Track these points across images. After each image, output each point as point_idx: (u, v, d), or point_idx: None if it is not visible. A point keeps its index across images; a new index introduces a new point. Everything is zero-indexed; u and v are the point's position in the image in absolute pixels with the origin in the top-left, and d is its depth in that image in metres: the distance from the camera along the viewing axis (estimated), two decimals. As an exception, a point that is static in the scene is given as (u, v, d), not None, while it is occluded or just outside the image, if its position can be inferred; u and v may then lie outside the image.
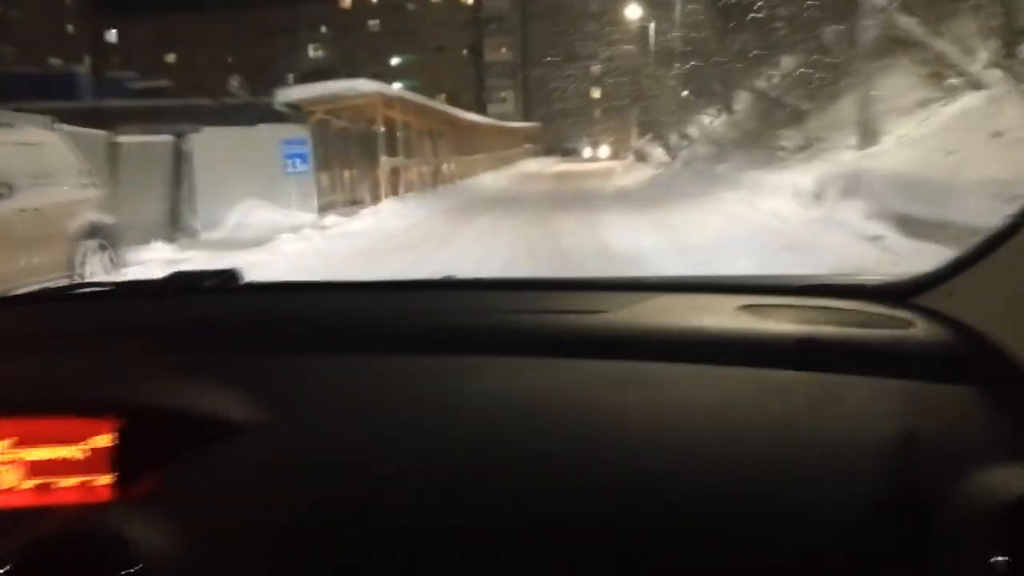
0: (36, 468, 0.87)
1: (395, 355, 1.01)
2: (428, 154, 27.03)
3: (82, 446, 0.87)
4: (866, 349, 0.98)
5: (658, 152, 29.42)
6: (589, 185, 26.91)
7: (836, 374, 0.94)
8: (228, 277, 1.29)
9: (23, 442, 0.87)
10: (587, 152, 53.77)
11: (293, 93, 17.86)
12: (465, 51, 73.36)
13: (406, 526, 0.80)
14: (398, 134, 20.43)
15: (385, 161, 18.80)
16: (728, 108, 24.22)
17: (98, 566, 0.77)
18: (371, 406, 0.94)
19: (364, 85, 18.05)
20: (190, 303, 1.24)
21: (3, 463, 0.87)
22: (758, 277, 1.36)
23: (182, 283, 1.27)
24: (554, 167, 41.09)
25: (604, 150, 55.20)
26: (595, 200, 19.52)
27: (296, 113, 17.12)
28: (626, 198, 19.79)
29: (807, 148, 15.99)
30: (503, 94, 74.49)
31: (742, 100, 23.71)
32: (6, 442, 0.87)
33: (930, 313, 1.03)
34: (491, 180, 30.22)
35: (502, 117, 52.49)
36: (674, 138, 26.90)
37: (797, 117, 18.09)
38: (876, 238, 8.74)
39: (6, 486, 0.87)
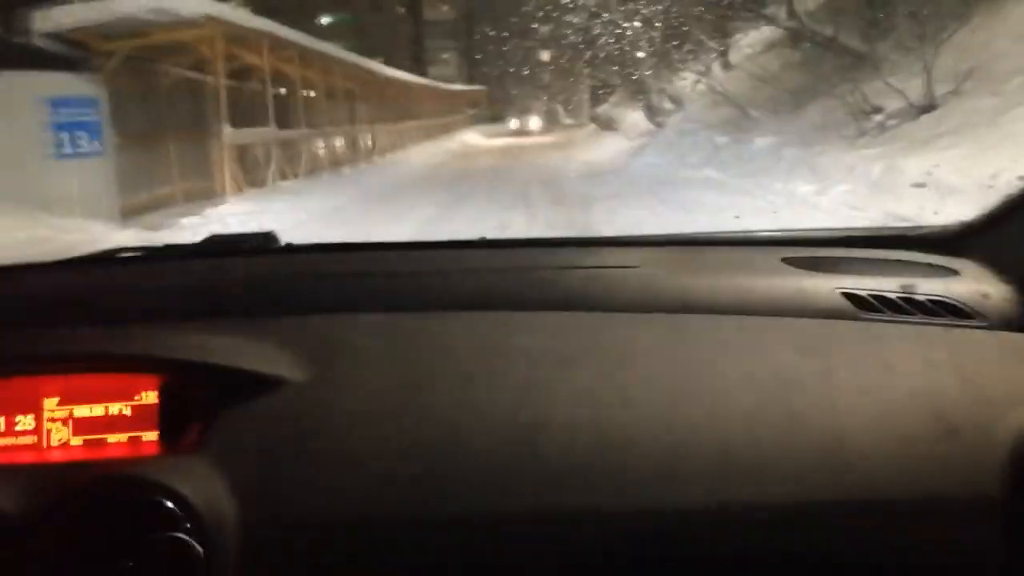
0: (85, 424, 0.91)
1: (434, 311, 1.00)
2: (343, 122, 20.38)
3: (128, 402, 0.90)
4: (913, 297, 0.97)
5: (634, 118, 23.15)
6: (547, 161, 20.75)
7: (883, 323, 0.94)
8: (266, 239, 1.28)
9: (71, 399, 0.91)
10: (537, 121, 46.52)
11: (59, 16, 10.38)
12: (403, 9, 65.90)
13: (448, 473, 0.84)
14: (293, 94, 13.70)
15: (232, 135, 12.00)
16: (724, 55, 18.16)
17: (146, 518, 0.82)
18: (410, 361, 0.93)
19: (187, 4, 10.64)
20: (228, 265, 1.22)
21: (53, 420, 0.91)
22: (799, 230, 1.32)
23: (220, 245, 1.26)
24: (502, 138, 35.83)
25: (562, 117, 48.98)
26: (563, 188, 13.23)
27: (75, 53, 10.18)
28: (607, 183, 13.45)
29: (907, 115, 9.81)
30: (445, 55, 67.08)
31: (754, 43, 17.58)
32: (55, 399, 0.91)
33: (976, 260, 1.03)
34: (423, 155, 23.63)
35: (444, 81, 45.70)
36: (656, 99, 20.58)
37: (859, 65, 11.95)
38: None
39: (57, 442, 0.91)
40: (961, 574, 0.85)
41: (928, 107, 9.46)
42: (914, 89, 9.78)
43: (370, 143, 22.15)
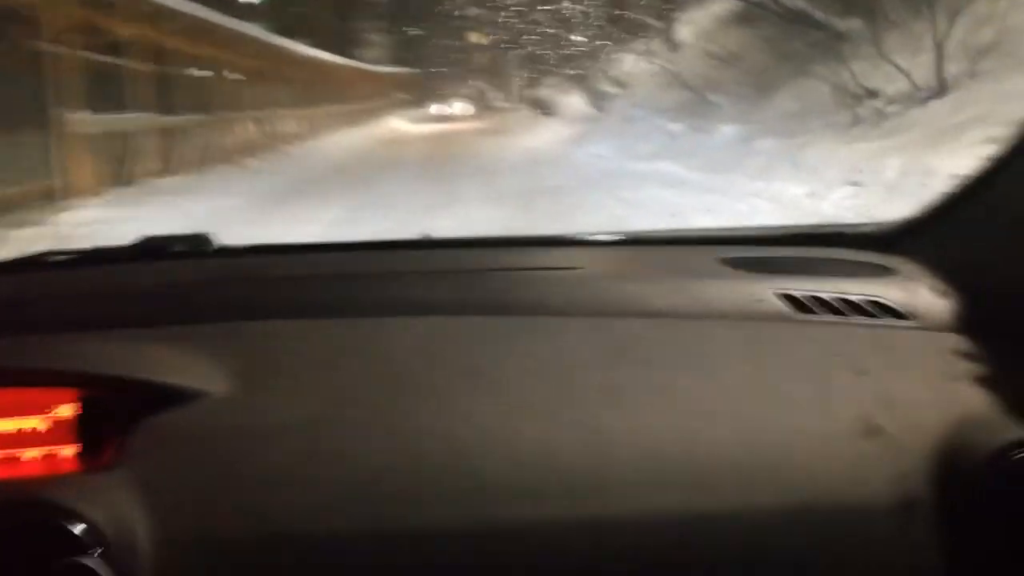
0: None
1: (368, 317, 0.98)
2: (249, 107, 18.05)
3: (45, 417, 0.86)
4: (848, 298, 0.97)
5: (573, 102, 21.32)
6: (479, 149, 18.77)
7: (818, 324, 0.94)
8: (199, 241, 1.22)
9: None
10: (462, 105, 43.23)
11: None
12: (328, -13, 62.71)
13: (377, 488, 0.81)
14: (183, 74, 11.31)
15: (82, 122, 9.64)
16: (667, 33, 16.44)
17: (63, 537, 0.78)
18: (342, 369, 0.91)
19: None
20: (158, 268, 1.18)
21: None
22: (738, 228, 1.39)
23: (151, 248, 1.21)
24: (432, 124, 33.09)
25: (495, 100, 46.95)
26: (498, 182, 11.32)
27: None
28: (550, 176, 11.57)
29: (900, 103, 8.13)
30: (374, 36, 64.16)
31: (706, 19, 15.88)
32: None
33: (912, 259, 1.02)
34: (343, 144, 21.45)
35: (372, 63, 43.16)
36: (597, 82, 18.77)
37: (840, 42, 10.29)
38: None
39: None
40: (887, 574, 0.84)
41: (938, 90, 7.82)
42: (918, 69, 8.12)
43: (283, 130, 19.82)
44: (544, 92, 27.97)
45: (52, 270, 1.20)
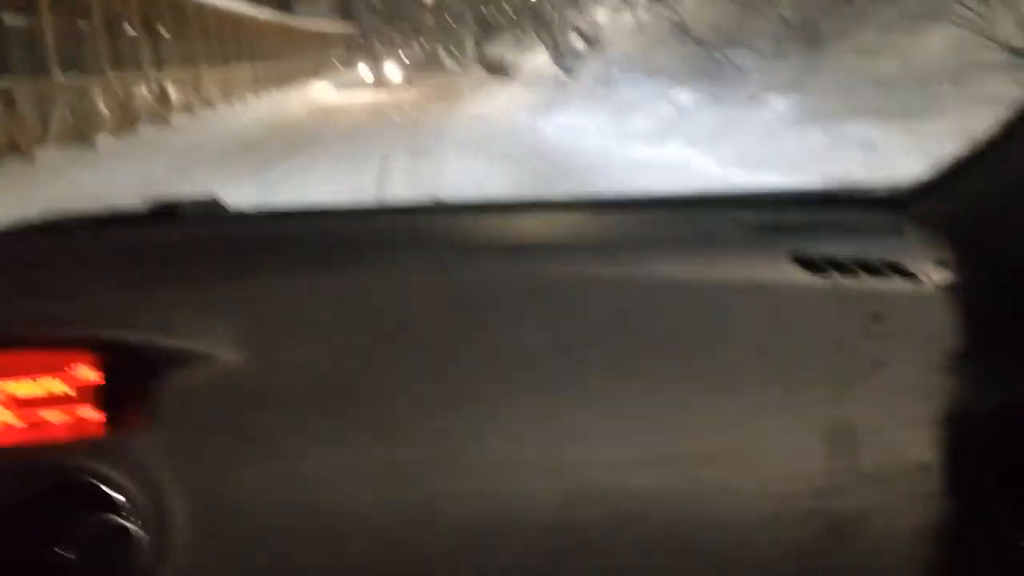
0: (23, 403, 0.87)
1: (379, 277, 0.97)
2: (131, 64, 14.14)
3: (67, 379, 0.87)
4: (862, 259, 0.97)
5: (535, 63, 17.70)
6: (422, 118, 15.13)
7: (831, 285, 0.94)
8: (211, 205, 1.21)
9: (6, 375, 0.87)
10: (398, 70, 35.24)
11: None
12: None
13: (392, 442, 0.84)
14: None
15: None
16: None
17: (95, 499, 0.80)
18: (359, 327, 0.91)
19: None
20: (172, 232, 1.15)
21: None
22: (752, 190, 1.34)
23: (162, 211, 1.19)
24: (364, 91, 28.03)
25: (444, 60, 42.98)
26: (444, 168, 7.91)
27: None
28: (514, 161, 8.11)
29: None
30: (314, -8, 59.11)
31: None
32: None
33: (925, 221, 1.02)
34: (250, 115, 17.66)
35: (313, 19, 38.76)
36: (564, 37, 15.11)
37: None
38: None
39: None
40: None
41: None
42: None
43: (175, 97, 15.86)
44: (501, 50, 24.23)
45: (62, 233, 1.18)
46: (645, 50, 12.25)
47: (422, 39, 44.79)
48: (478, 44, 29.61)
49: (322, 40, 35.93)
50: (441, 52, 44.20)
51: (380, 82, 31.70)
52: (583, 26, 14.90)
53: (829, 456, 0.87)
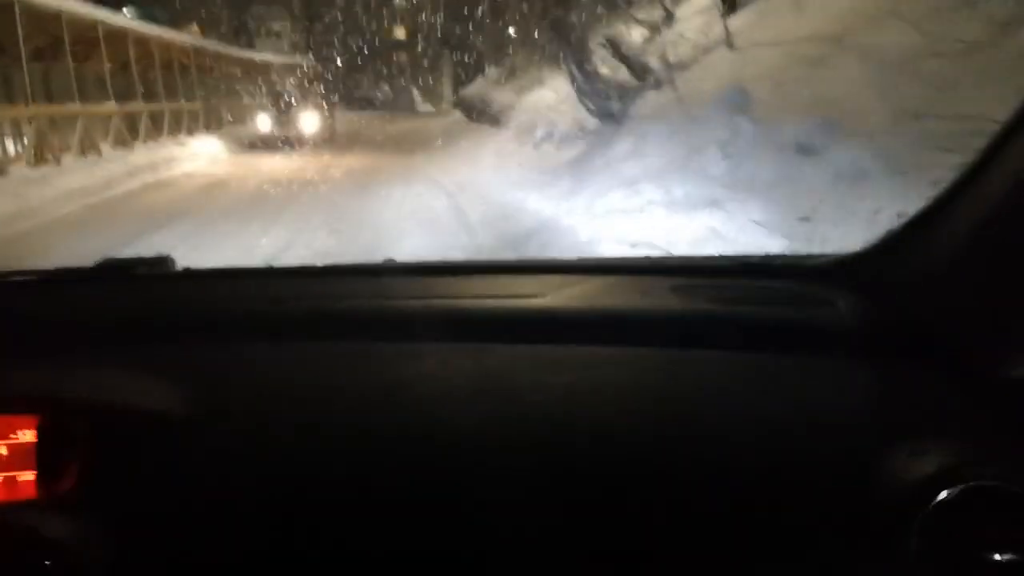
0: None
1: (330, 342, 0.98)
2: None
3: (5, 442, 0.85)
4: (789, 328, 0.98)
5: (536, 100, 12.03)
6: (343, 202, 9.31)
7: (762, 353, 0.94)
8: (161, 263, 1.21)
9: None
10: (313, 118, 19.49)
11: None
12: (222, -34, 51.99)
13: (340, 511, 0.80)
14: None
15: None
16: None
17: (21, 565, 0.76)
18: (306, 395, 0.91)
19: None
20: (121, 290, 1.17)
21: None
22: (692, 258, 1.40)
23: (111, 269, 1.19)
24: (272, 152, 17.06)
25: (416, 101, 37.59)
26: None
27: None
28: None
29: None
30: (276, 26, 53.50)
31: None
32: None
33: (854, 291, 1.02)
34: (85, 180, 11.80)
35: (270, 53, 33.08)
36: (597, 61, 9.36)
37: None
38: None
39: None
40: None
41: None
42: None
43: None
44: (484, 88, 18.59)
45: (8, 290, 1.18)
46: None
47: (393, 75, 39.71)
48: (457, 79, 24.11)
49: (272, 73, 30.18)
50: (414, 92, 38.98)
51: (273, 141, 17.49)
52: (625, 45, 9.19)
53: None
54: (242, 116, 21.45)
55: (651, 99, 8.22)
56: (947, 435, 0.81)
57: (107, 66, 14.59)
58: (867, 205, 4.38)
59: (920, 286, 0.94)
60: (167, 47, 18.12)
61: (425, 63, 31.45)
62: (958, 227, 0.90)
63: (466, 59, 23.71)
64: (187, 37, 21.16)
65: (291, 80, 23.04)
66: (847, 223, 4.32)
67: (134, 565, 0.77)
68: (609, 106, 8.58)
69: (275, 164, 13.89)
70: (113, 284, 1.16)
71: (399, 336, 0.98)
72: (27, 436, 0.85)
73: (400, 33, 42.85)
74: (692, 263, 1.28)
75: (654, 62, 8.71)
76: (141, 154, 13.50)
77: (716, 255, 1.34)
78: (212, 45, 23.55)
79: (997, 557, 0.70)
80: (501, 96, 16.09)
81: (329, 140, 18.51)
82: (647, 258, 1.34)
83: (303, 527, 0.79)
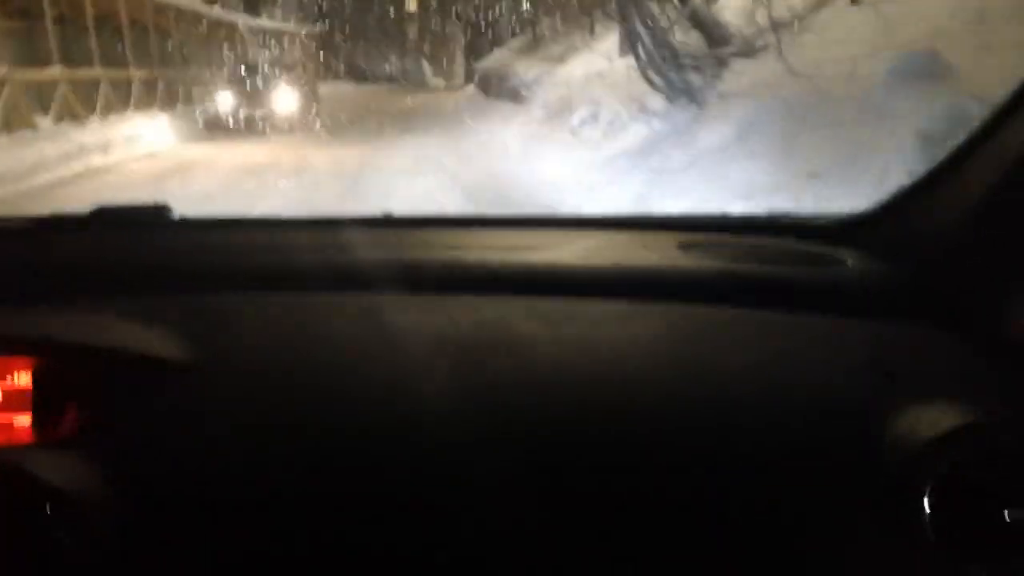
0: None
1: (328, 293, 0.97)
2: None
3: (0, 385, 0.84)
4: (797, 287, 0.97)
5: (566, 76, 9.74)
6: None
7: (769, 311, 0.93)
8: (157, 211, 1.19)
9: None
10: (289, 94, 14.81)
11: None
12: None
13: (333, 460, 0.79)
14: None
15: None
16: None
17: (20, 509, 0.75)
18: (302, 345, 0.89)
19: None
20: (116, 239, 1.15)
21: None
22: (700, 216, 1.32)
23: (108, 218, 1.17)
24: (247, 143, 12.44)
25: (427, 74, 35.19)
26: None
27: None
28: None
29: None
30: (281, -7, 51.01)
31: None
32: None
33: (862, 251, 1.02)
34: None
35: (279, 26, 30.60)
36: (664, 24, 7.09)
37: None
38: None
39: None
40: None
41: None
42: None
43: None
44: (506, 57, 16.26)
45: (8, 236, 1.18)
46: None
47: (404, 48, 37.36)
48: (470, 50, 21.74)
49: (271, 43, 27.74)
50: (424, 64, 36.59)
51: (233, 128, 13.67)
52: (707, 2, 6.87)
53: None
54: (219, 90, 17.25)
55: (750, 71, 5.92)
56: (957, 395, 0.80)
57: (49, 18, 11.91)
58: None
59: (929, 246, 0.94)
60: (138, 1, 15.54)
61: (434, 32, 29.14)
62: (967, 188, 0.90)
63: (482, 26, 21.37)
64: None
65: (266, 48, 20.99)
66: None
67: (135, 511, 0.77)
68: (685, 80, 6.29)
69: (249, 149, 11.24)
70: (109, 232, 1.15)
71: (398, 287, 0.97)
72: (23, 379, 0.84)
73: (411, 4, 40.71)
74: (698, 220, 1.25)
75: (741, 23, 6.42)
76: (94, 131, 11.00)
77: (723, 213, 1.22)
78: (191, 3, 21.16)
79: (1011, 516, 0.70)
80: (525, 68, 13.76)
81: (308, 122, 13.97)
82: (652, 215, 1.34)
83: (302, 476, 0.78)
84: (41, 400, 0.83)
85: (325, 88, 26.13)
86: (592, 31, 12.20)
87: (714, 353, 0.87)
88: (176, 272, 1.00)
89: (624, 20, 6.67)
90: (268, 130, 13.26)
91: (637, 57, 6.61)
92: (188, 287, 0.95)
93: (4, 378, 0.84)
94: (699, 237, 1.09)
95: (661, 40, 6.44)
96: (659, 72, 6.44)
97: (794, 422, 0.80)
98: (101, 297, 0.93)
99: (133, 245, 1.10)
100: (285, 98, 14.17)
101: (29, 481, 0.75)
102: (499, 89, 15.32)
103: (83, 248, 1.09)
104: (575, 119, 8.47)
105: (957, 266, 0.90)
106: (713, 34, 6.56)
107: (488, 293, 0.96)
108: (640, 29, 6.50)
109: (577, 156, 7.23)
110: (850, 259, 1.00)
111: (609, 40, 11.48)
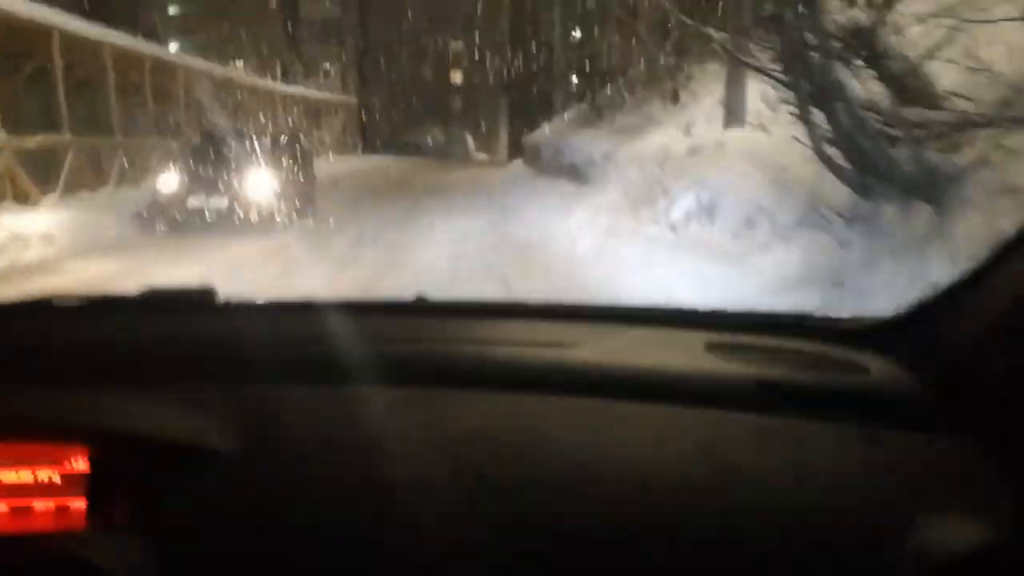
0: (10, 490, 0.87)
1: (369, 385, 1.00)
2: None
3: (57, 470, 0.87)
4: (821, 394, 0.96)
5: (680, 139, 7.38)
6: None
7: (791, 418, 0.92)
8: (204, 295, 1.22)
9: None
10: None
11: None
12: (273, 2, 49.36)
13: (380, 553, 0.81)
14: None
15: None
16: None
17: None
18: (344, 437, 0.92)
19: None
20: (166, 322, 1.17)
21: None
22: (726, 312, 1.30)
23: (157, 300, 1.21)
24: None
25: (470, 147, 33.59)
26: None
27: None
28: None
29: None
30: (326, 65, 50.46)
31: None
32: None
33: (887, 357, 1.01)
34: None
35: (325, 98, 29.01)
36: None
37: None
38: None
39: None
40: None
41: None
42: None
43: None
44: (563, 128, 13.98)
45: (57, 316, 1.19)
46: None
47: (445, 122, 35.94)
48: (510, 124, 19.62)
49: (309, 109, 26.02)
50: (467, 137, 34.98)
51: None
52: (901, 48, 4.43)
53: None
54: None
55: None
56: (976, 510, 0.79)
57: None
58: None
59: (953, 356, 0.94)
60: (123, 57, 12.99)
61: (478, 104, 27.57)
62: (994, 299, 0.90)
63: (533, 94, 19.35)
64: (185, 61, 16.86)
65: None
66: None
67: None
68: (887, 160, 3.79)
69: (193, 260, 7.22)
70: (158, 315, 1.18)
71: (435, 383, 0.99)
72: (79, 465, 0.85)
73: (456, 76, 39.72)
74: (725, 317, 1.24)
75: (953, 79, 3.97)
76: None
77: (749, 310, 1.24)
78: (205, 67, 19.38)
79: None
80: (587, 142, 11.44)
81: (298, 210, 9.63)
82: (681, 309, 1.31)
83: (344, 567, 0.80)
84: (95, 486, 0.84)
85: (359, 161, 24.17)
86: (675, 99, 9.89)
87: (734, 458, 0.86)
88: (222, 361, 1.02)
89: (798, 75, 4.16)
90: (234, 226, 9.03)
91: (808, 123, 4.12)
92: (234, 376, 0.97)
93: (62, 463, 0.86)
94: (726, 337, 1.10)
95: (852, 103, 3.95)
96: (850, 146, 3.94)
97: (811, 529, 0.80)
98: (151, 384, 0.94)
99: (181, 329, 1.13)
100: (259, 184, 9.45)
101: (84, 567, 0.78)
102: (554, 165, 13.04)
103: (133, 330, 1.11)
104: (676, 211, 6.05)
105: (980, 378, 0.89)
106: (919, 98, 4.12)
107: (520, 389, 0.97)
108: (822, 83, 4.00)
109: (689, 268, 4.79)
110: (874, 365, 1.00)
111: (698, 109, 9.14)
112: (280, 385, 0.97)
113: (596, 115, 12.84)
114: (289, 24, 46.99)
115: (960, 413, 0.89)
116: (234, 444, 0.87)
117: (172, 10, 44.90)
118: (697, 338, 1.09)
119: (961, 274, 0.94)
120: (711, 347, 1.06)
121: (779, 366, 1.01)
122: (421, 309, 1.28)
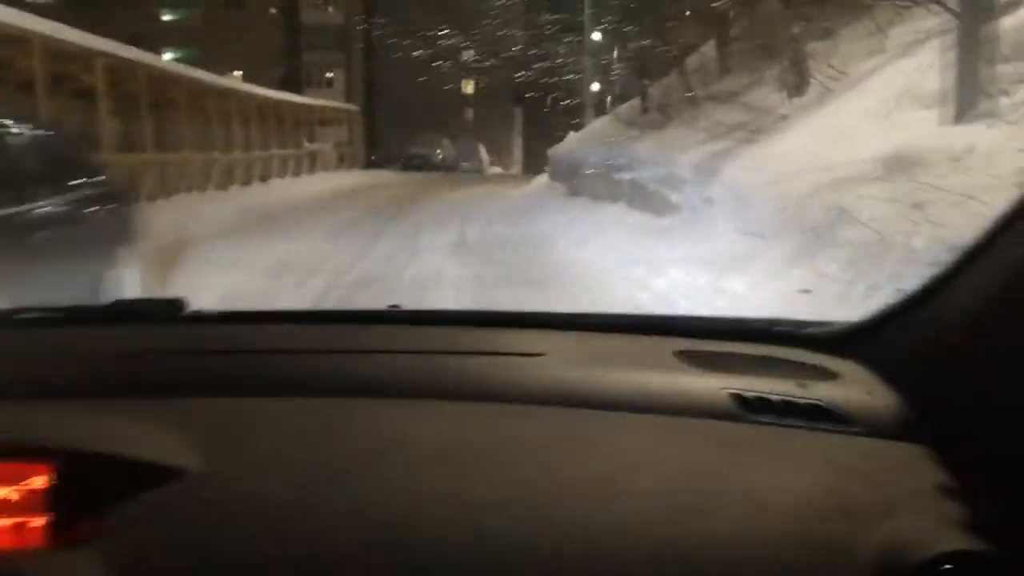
0: None
1: (337, 397, 0.98)
2: None
3: (17, 488, 0.84)
4: (796, 402, 0.95)
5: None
6: None
7: (765, 426, 0.92)
8: (171, 305, 1.19)
9: None
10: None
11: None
12: (273, 8, 46.85)
13: (348, 569, 0.80)
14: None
15: None
16: None
17: None
18: (313, 449, 0.89)
19: None
20: (132, 333, 1.15)
21: None
22: (696, 318, 1.32)
23: (123, 311, 1.19)
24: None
25: (484, 161, 30.98)
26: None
27: None
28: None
29: None
30: (329, 74, 47.79)
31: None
32: None
33: (860, 363, 1.01)
34: None
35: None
36: None
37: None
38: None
39: None
40: None
41: None
42: None
43: None
44: (568, 147, 11.03)
45: (22, 328, 1.16)
46: None
47: (453, 132, 33.27)
48: (525, 138, 16.76)
49: (312, 117, 23.08)
50: (482, 150, 32.15)
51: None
52: None
53: None
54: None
55: None
56: (948, 516, 0.79)
57: None
58: None
59: (924, 360, 0.94)
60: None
61: (491, 116, 24.90)
62: (965, 302, 0.89)
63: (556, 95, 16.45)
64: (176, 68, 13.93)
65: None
66: None
67: None
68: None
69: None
70: (125, 326, 1.15)
71: (407, 392, 0.98)
72: (38, 482, 0.83)
73: (468, 86, 37.21)
74: (695, 324, 1.25)
75: None
76: None
77: (718, 316, 1.19)
78: (215, 79, 16.49)
79: None
80: (658, 150, 8.39)
81: None
82: (650, 316, 1.23)
83: None
84: (56, 504, 0.82)
85: (358, 178, 21.20)
86: (800, 90, 6.85)
87: (703, 465, 0.86)
88: (189, 374, 1.00)
89: None
90: None
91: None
92: (201, 390, 0.95)
93: (20, 481, 0.83)
94: (695, 344, 1.09)
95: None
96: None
97: (779, 535, 0.79)
98: (118, 395, 0.93)
99: (147, 342, 1.10)
100: None
101: None
102: (600, 183, 10.06)
103: (99, 343, 1.09)
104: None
105: (950, 383, 0.89)
106: None
107: (490, 399, 0.96)
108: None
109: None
110: (843, 371, 1.00)
111: (849, 97, 6.11)
112: (249, 399, 0.94)
113: (659, 113, 9.82)
114: (289, 30, 44.16)
115: (929, 419, 0.88)
116: (201, 459, 0.84)
117: (165, 17, 42.47)
118: (666, 345, 1.09)
119: (928, 279, 0.93)
120: (680, 355, 1.06)
121: (748, 373, 1.00)
122: (393, 318, 1.28)
